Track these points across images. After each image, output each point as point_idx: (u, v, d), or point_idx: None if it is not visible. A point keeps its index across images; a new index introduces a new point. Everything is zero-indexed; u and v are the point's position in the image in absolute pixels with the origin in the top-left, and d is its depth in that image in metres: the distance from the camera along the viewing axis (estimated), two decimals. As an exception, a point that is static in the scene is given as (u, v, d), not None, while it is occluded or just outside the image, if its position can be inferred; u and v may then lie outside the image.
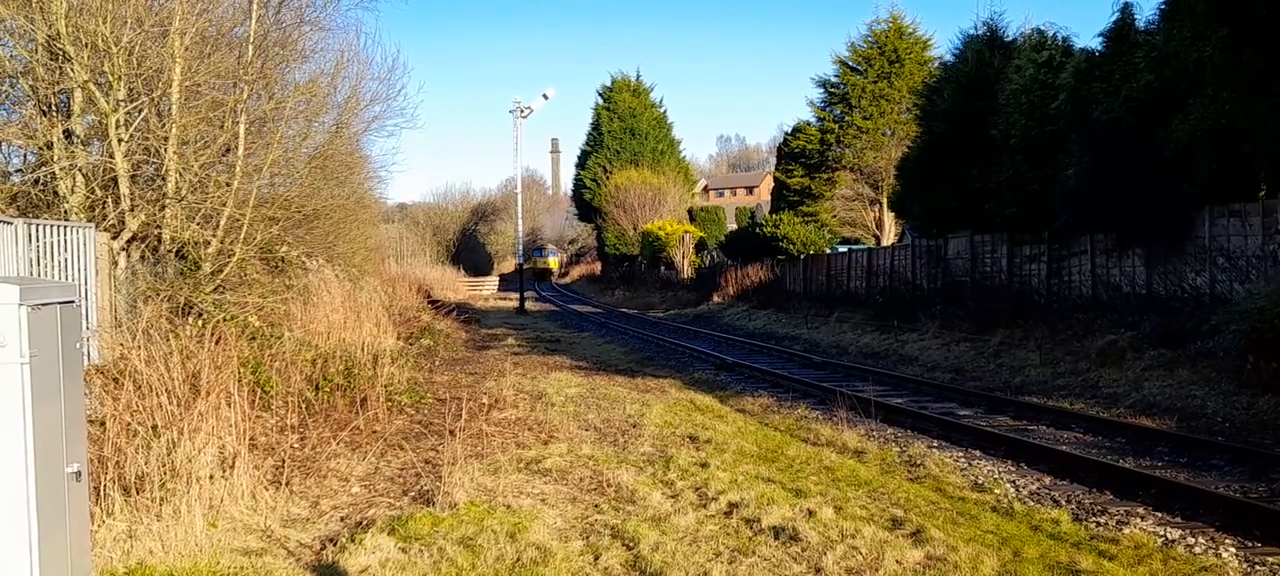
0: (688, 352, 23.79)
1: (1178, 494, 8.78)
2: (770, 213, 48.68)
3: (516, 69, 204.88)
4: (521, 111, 45.82)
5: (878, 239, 41.30)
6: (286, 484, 7.97)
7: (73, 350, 4.03)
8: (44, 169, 12.11)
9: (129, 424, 7.22)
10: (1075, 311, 19.80)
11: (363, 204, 27.87)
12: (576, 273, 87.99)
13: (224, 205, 13.77)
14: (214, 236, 13.88)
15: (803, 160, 45.73)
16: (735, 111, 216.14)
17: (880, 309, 27.42)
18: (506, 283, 67.89)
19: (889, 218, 40.62)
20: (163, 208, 13.02)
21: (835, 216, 44.69)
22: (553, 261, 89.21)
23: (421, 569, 6.35)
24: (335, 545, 6.77)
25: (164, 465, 6.96)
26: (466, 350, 22.36)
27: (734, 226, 61.15)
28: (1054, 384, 15.98)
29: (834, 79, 43.10)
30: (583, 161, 72.12)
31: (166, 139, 12.75)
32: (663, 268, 56.38)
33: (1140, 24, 19.14)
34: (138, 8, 12.10)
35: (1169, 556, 7.09)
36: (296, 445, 9.15)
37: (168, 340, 8.23)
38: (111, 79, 11.98)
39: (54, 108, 12.19)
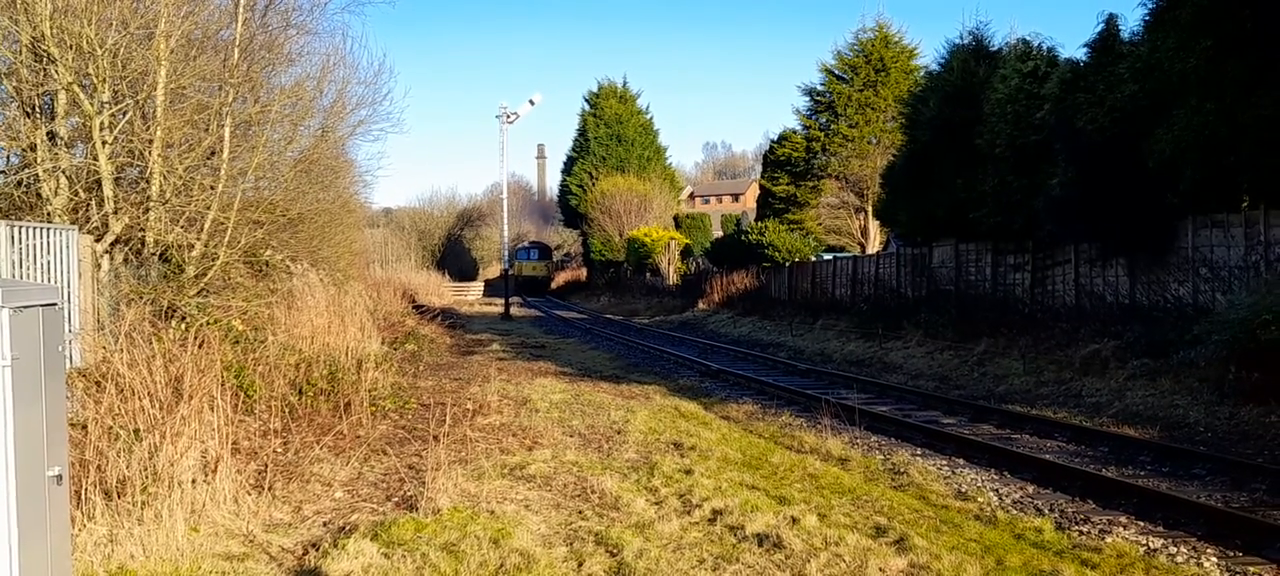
0: (673, 359, 23.79)
1: (1160, 503, 8.83)
2: (756, 220, 48.73)
3: (503, 74, 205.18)
4: (508, 117, 45.86)
5: (863, 247, 41.40)
6: (269, 488, 7.93)
7: (55, 353, 3.99)
8: (27, 171, 12.03)
9: (111, 427, 7.17)
10: (1059, 321, 19.89)
11: (348, 208, 27.84)
12: (562, 278, 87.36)
13: (208, 208, 13.71)
14: (198, 240, 13.82)
15: (788, 168, 45.80)
16: (721, 119, 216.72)
17: (865, 317, 27.49)
18: (492, 288, 67.66)
19: (874, 226, 40.74)
20: (146, 210, 12.95)
21: (821, 224, 44.78)
22: (543, 266, 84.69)
23: (404, 574, 6.33)
24: (318, 550, 6.74)
25: (146, 469, 6.91)
26: (451, 355, 22.30)
27: (719, 233, 61.26)
28: (1037, 393, 16.06)
29: (820, 87, 43.20)
30: (569, 167, 72.04)
31: (151, 142, 12.69)
32: (648, 274, 56.39)
33: (1125, 35, 19.26)
34: (123, 10, 12.04)
35: (1151, 565, 7.13)
36: (279, 450, 9.10)
37: (150, 343, 8.18)
38: (96, 81, 11.91)
39: (38, 110, 12.12)
